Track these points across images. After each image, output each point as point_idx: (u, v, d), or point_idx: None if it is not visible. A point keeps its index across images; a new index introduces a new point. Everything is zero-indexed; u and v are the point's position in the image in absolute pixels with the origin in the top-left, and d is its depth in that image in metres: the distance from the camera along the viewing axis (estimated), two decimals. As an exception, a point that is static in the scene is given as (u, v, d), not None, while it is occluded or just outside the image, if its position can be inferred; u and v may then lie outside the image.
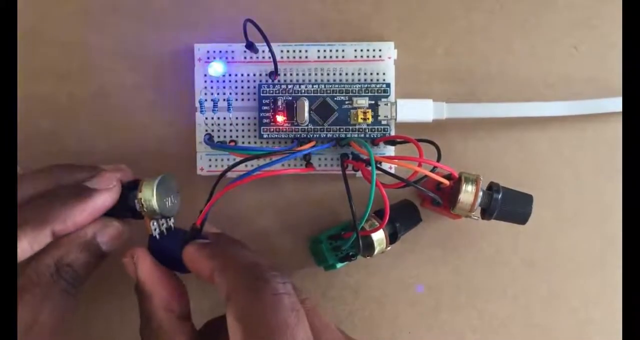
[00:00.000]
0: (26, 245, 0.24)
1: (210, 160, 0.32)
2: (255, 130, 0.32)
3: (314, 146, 0.30)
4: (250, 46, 0.31)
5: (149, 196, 0.26)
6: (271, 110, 0.31)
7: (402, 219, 0.31)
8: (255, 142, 0.32)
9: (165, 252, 0.27)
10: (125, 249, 0.27)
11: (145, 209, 0.27)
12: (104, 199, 0.26)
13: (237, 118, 0.32)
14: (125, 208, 0.27)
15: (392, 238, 0.30)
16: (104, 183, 0.26)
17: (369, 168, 0.29)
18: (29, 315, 0.24)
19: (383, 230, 0.29)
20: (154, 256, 0.27)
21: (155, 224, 0.27)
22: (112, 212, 0.27)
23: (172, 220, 0.28)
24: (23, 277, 0.24)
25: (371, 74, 0.31)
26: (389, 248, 0.30)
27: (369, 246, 0.30)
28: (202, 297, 0.31)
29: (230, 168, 0.28)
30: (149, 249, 0.27)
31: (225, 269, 0.24)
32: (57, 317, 0.24)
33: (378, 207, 0.29)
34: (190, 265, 0.26)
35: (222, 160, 0.32)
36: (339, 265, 0.31)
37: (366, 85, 0.31)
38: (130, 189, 0.27)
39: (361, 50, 0.31)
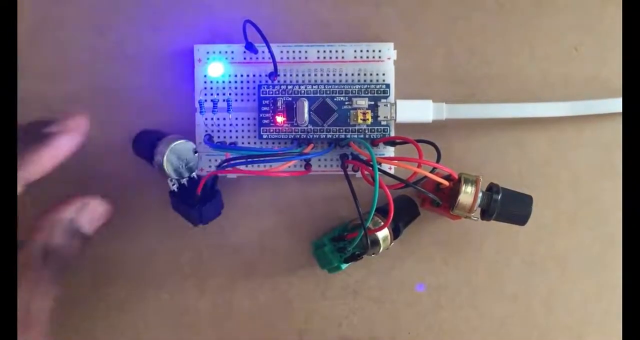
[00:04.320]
0: None
1: (210, 160, 0.32)
2: (254, 131, 0.31)
3: (313, 150, 0.31)
4: (250, 47, 0.31)
5: (162, 163, 0.29)
6: (271, 111, 0.31)
7: (402, 214, 0.31)
8: (255, 143, 0.32)
9: (181, 206, 0.30)
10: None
11: (160, 172, 0.29)
12: (66, 142, 0.26)
13: (236, 119, 0.32)
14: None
15: (395, 233, 0.30)
16: (63, 127, 0.26)
17: (370, 168, 0.29)
18: (25, 298, 0.24)
19: (387, 227, 0.30)
20: (175, 208, 0.30)
21: (173, 180, 0.29)
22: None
23: (193, 174, 0.30)
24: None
25: (371, 74, 0.31)
26: (392, 244, 0.30)
27: (375, 244, 0.30)
28: (200, 296, 0.31)
29: (225, 161, 0.29)
30: (171, 202, 0.30)
31: None
32: (48, 302, 0.25)
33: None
34: None
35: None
36: (343, 266, 0.31)
37: (366, 86, 0.31)
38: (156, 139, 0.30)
39: (361, 51, 0.31)
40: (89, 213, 0.27)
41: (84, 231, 0.27)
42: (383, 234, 0.30)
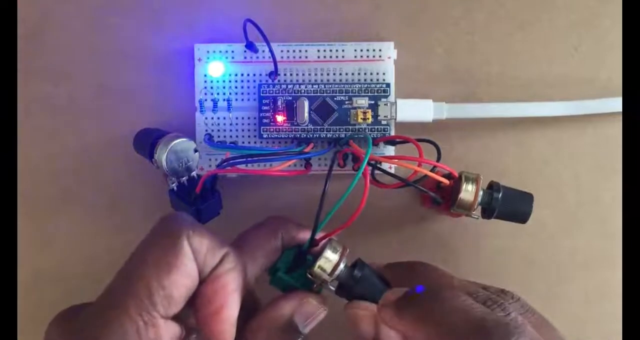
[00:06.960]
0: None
1: (210, 160, 0.32)
2: (255, 130, 0.31)
3: (313, 149, 0.31)
4: (250, 46, 0.31)
5: (162, 162, 0.29)
6: (271, 110, 0.31)
7: (365, 287, 0.27)
8: (255, 142, 0.32)
9: (180, 205, 0.30)
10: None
11: (158, 168, 0.29)
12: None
13: (236, 118, 0.32)
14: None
15: (342, 283, 0.26)
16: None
17: (370, 167, 0.29)
18: None
19: (342, 258, 0.26)
20: (175, 207, 0.30)
21: (173, 179, 0.30)
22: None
23: (193, 173, 0.30)
24: None
25: (371, 73, 0.31)
26: (331, 280, 0.26)
27: (316, 258, 0.26)
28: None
29: (225, 160, 0.29)
30: (170, 201, 0.30)
31: None
32: None
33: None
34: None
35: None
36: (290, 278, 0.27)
37: (366, 85, 0.31)
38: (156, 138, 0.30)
39: (361, 50, 0.31)
40: (307, 310, 0.26)
41: (301, 330, 0.26)
42: (330, 255, 0.26)
